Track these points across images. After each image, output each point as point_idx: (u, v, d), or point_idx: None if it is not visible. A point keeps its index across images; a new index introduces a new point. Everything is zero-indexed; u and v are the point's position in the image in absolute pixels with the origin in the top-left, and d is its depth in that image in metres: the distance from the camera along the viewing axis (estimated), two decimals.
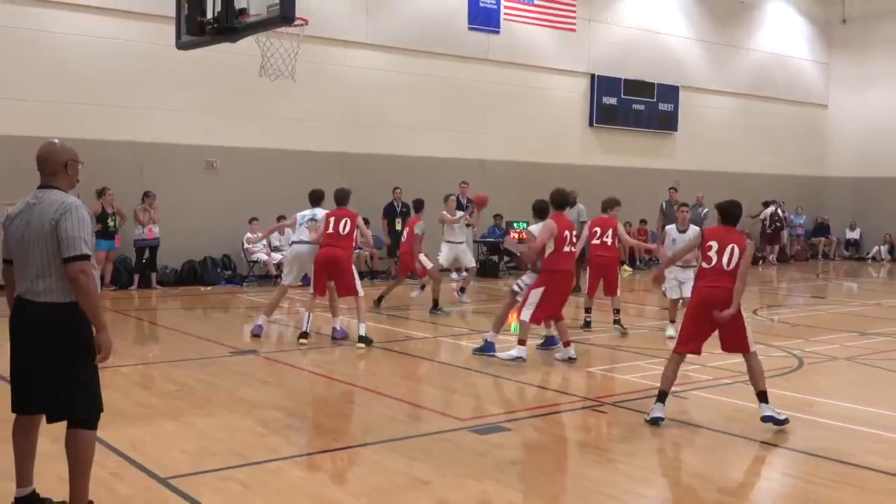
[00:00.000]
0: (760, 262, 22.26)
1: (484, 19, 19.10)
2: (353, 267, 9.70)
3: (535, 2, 19.95)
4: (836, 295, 17.50)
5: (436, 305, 12.36)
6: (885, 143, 24.79)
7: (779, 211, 23.52)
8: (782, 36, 25.31)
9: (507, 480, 5.20)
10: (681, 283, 10.01)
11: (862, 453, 5.77)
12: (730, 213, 6.62)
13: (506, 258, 18.76)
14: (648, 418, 6.42)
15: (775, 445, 6.06)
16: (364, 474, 5.37)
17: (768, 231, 23.36)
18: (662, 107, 22.32)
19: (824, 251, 25.48)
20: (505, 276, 17.91)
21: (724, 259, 6.35)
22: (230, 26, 7.70)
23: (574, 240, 8.64)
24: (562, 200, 8.74)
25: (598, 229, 10.77)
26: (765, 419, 6.34)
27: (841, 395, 7.66)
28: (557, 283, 8.52)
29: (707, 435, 6.32)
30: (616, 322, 10.71)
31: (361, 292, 9.68)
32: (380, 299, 12.71)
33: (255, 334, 9.99)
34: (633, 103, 21.79)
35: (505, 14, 19.46)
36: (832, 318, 12.95)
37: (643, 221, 20.28)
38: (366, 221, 16.82)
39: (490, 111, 19.27)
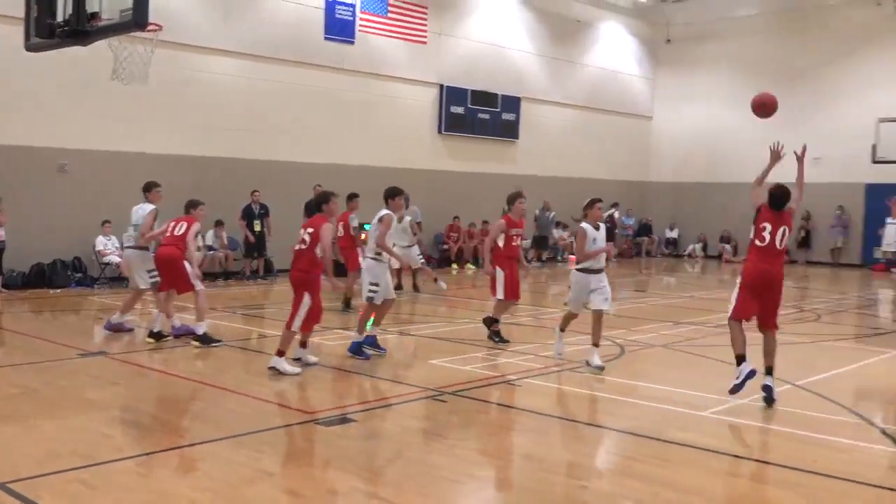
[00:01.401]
0: None
1: (340, 30, 19.38)
2: (186, 264, 9.69)
3: (390, 15, 20.44)
4: (656, 289, 18.94)
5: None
6: (700, 152, 27.23)
7: (615, 214, 25.29)
8: (614, 53, 27.10)
9: (352, 469, 5.39)
10: (591, 291, 8.60)
11: (675, 430, 6.34)
12: (775, 197, 7.14)
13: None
14: (740, 381, 6.90)
15: (600, 426, 6.60)
16: (211, 469, 5.42)
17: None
18: (505, 116, 23.35)
19: (647, 249, 27.58)
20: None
21: (777, 239, 7.07)
22: (81, 30, 7.46)
23: (307, 240, 8.14)
24: (316, 201, 8.75)
25: None
26: (763, 388, 7.02)
27: (658, 379, 8.33)
28: None
29: (538, 419, 6.77)
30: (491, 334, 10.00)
31: (198, 286, 9.71)
32: (346, 302, 12.42)
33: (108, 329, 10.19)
34: (479, 112, 22.67)
35: (360, 26, 19.80)
36: (652, 309, 14.02)
37: (486, 222, 21.07)
38: (220, 223, 16.77)
39: (345, 118, 19.50)
